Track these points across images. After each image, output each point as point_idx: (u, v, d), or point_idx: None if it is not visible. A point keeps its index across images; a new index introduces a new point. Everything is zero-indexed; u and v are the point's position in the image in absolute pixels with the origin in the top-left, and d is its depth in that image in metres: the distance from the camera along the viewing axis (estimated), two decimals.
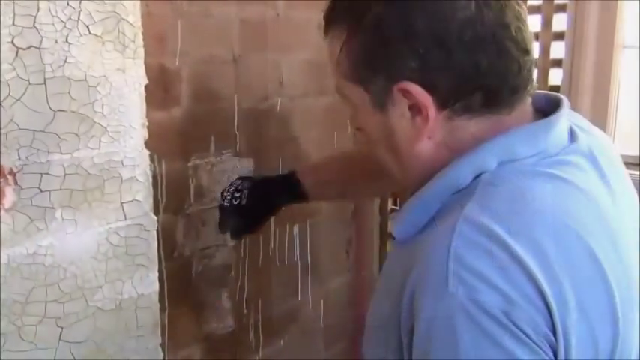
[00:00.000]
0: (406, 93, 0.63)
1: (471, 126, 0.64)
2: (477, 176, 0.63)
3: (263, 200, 1.14)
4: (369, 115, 0.68)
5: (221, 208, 1.17)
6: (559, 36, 1.40)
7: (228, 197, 1.15)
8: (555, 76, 1.41)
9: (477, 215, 0.58)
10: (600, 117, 1.37)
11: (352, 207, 1.79)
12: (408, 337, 0.59)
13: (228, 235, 1.17)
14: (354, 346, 1.88)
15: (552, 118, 0.67)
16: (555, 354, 0.55)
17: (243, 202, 1.12)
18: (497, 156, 0.63)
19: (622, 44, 1.36)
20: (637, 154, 1.37)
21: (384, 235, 1.79)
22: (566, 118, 0.69)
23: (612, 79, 1.36)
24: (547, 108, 0.69)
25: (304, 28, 1.55)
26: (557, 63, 1.41)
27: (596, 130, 0.77)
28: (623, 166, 0.76)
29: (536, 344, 0.54)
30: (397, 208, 1.75)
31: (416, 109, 0.64)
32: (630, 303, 0.62)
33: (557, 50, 1.40)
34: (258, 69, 1.45)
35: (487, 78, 0.62)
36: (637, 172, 1.33)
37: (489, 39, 0.61)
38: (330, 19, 0.69)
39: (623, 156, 0.78)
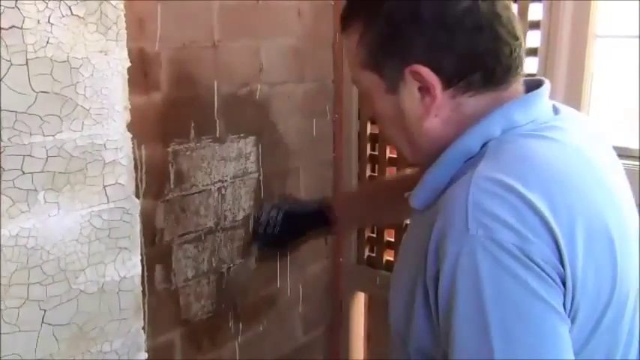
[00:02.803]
0: (416, 75, 0.72)
1: (472, 102, 0.74)
2: (485, 144, 0.72)
3: (293, 230, 1.26)
4: (383, 100, 0.76)
5: (254, 233, 1.26)
6: (534, 25, 1.42)
7: (263, 226, 1.24)
8: (531, 65, 1.43)
9: (489, 171, 0.67)
10: (574, 105, 1.40)
11: (331, 193, 1.81)
12: (433, 283, 0.67)
13: (255, 250, 1.26)
14: (332, 332, 1.90)
15: (539, 91, 0.76)
16: (564, 284, 0.63)
17: (276, 231, 1.23)
18: (500, 124, 0.73)
19: (595, 34, 1.39)
20: (636, 146, 1.36)
21: None
22: (548, 95, 0.78)
23: (586, 68, 1.39)
24: (533, 88, 0.78)
25: (284, 15, 1.55)
26: (533, 52, 1.43)
27: (583, 115, 0.90)
28: (605, 140, 0.85)
29: (547, 274, 0.62)
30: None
31: (424, 89, 0.73)
32: (626, 242, 0.71)
33: (533, 39, 1.43)
34: (238, 55, 1.45)
35: (484, 59, 0.72)
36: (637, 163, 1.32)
37: (485, 26, 0.71)
38: (348, 17, 0.77)
39: (621, 148, 0.85)
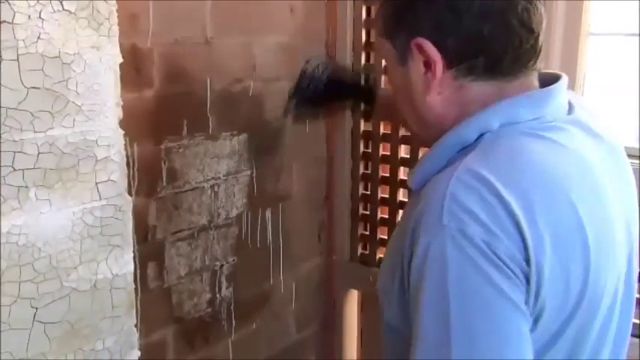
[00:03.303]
0: (420, 48, 0.73)
1: (474, 87, 0.74)
2: (481, 135, 0.72)
3: (336, 89, 1.23)
4: (395, 69, 0.78)
5: (297, 84, 1.23)
6: None
7: (308, 78, 1.22)
8: None
9: (473, 164, 0.67)
10: None
11: (324, 191, 1.81)
12: (407, 265, 0.68)
13: (293, 105, 1.23)
14: (326, 330, 1.90)
15: (551, 88, 0.75)
16: (528, 282, 0.64)
17: (320, 86, 1.20)
18: (499, 118, 0.72)
19: (588, 32, 1.39)
20: (636, 145, 1.36)
21: (355, 220, 1.81)
22: (565, 92, 0.77)
23: (579, 66, 1.39)
24: (549, 83, 0.77)
25: (276, 12, 1.55)
26: None
27: (599, 112, 0.85)
28: (620, 146, 0.83)
29: (511, 271, 0.63)
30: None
31: (428, 65, 0.74)
32: (605, 253, 0.70)
33: None
34: (231, 52, 1.44)
35: (489, 45, 0.71)
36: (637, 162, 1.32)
37: (495, 12, 0.70)
38: None
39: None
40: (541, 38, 0.74)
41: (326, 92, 1.21)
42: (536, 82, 0.76)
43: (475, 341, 0.62)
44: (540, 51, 0.75)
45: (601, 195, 0.72)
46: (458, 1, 0.71)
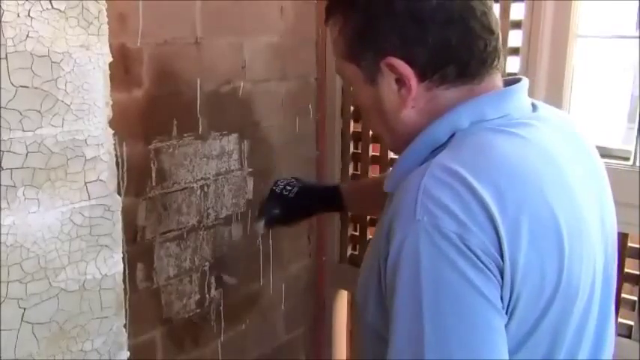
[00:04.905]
0: (391, 67, 0.73)
1: (447, 94, 0.75)
2: (453, 135, 0.74)
3: (307, 201, 1.25)
4: (363, 90, 0.78)
5: (271, 192, 1.25)
6: (516, 25, 1.43)
7: (281, 186, 1.24)
8: (513, 64, 1.44)
9: (445, 160, 0.68)
10: (555, 104, 1.41)
11: None
12: (384, 264, 0.68)
13: (261, 223, 1.24)
14: (315, 330, 1.90)
15: (512, 87, 0.77)
16: (502, 276, 0.64)
17: (291, 195, 1.22)
18: (469, 117, 0.74)
19: (576, 34, 1.40)
20: (622, 147, 1.36)
21: (345, 221, 1.81)
22: (526, 92, 0.79)
23: (567, 68, 1.40)
24: (513, 85, 0.79)
25: (267, 12, 1.55)
26: (515, 51, 1.44)
27: (562, 111, 0.88)
28: (587, 141, 0.85)
29: (484, 265, 0.63)
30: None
31: (401, 81, 0.74)
32: (578, 240, 0.71)
33: (515, 39, 1.44)
34: (221, 52, 1.44)
35: (457, 52, 0.73)
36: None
37: (457, 19, 0.72)
38: (330, 9, 0.79)
39: (605, 148, 0.85)
40: (500, 38, 0.76)
41: (297, 210, 1.24)
42: (500, 82, 0.78)
43: (448, 338, 0.62)
44: (501, 51, 0.77)
45: (570, 188, 0.73)
46: (421, 13, 0.71)
